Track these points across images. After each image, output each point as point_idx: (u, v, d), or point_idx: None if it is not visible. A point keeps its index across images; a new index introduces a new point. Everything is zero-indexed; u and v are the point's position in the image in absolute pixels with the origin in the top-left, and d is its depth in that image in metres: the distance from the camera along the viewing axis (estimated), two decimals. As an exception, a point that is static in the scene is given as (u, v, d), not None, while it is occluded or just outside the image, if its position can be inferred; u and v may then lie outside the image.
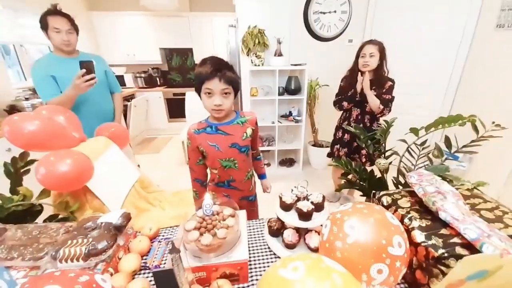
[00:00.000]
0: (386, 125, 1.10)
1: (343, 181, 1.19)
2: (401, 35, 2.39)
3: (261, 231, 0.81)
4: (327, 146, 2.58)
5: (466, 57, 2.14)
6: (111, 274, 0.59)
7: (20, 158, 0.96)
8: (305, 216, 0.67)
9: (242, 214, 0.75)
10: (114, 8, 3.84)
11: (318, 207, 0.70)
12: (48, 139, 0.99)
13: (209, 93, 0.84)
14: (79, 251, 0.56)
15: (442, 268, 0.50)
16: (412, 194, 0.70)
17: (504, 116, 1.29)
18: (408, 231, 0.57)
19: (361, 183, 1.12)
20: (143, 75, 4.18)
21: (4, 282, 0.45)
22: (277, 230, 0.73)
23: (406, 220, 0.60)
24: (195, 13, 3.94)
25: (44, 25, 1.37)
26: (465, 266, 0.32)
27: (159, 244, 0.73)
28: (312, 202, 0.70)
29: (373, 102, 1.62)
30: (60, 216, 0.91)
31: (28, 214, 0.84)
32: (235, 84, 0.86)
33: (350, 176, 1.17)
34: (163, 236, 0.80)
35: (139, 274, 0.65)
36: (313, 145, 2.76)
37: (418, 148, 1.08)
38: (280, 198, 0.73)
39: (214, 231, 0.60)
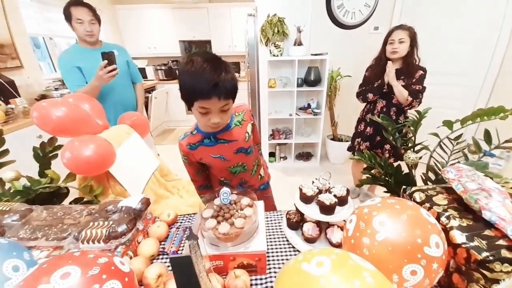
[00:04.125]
0: (417, 116, 1.01)
1: (364, 176, 1.12)
2: (433, 22, 2.20)
3: (279, 223, 0.78)
4: (347, 141, 2.48)
5: (506, 46, 1.92)
6: (130, 258, 0.60)
7: (48, 143, 1.00)
8: (327, 209, 0.63)
9: (260, 204, 0.73)
10: (136, 1, 3.92)
11: (342, 200, 0.66)
12: (73, 125, 1.03)
13: (204, 113, 0.69)
14: (100, 233, 0.57)
15: (485, 272, 0.45)
16: (449, 191, 0.63)
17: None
18: (446, 230, 0.52)
19: (386, 178, 1.05)
20: (163, 67, 4.26)
21: (23, 262, 0.46)
22: (296, 223, 0.70)
23: (443, 219, 0.54)
24: (214, 4, 3.91)
25: (67, 16, 1.41)
26: None
27: (177, 231, 0.73)
28: (335, 195, 0.66)
29: (400, 93, 1.50)
30: (84, 199, 0.95)
31: (55, 196, 0.87)
32: (235, 93, 0.71)
33: (373, 171, 1.10)
34: (181, 223, 0.80)
35: (157, 259, 0.65)
36: (332, 139, 2.66)
37: (451, 143, 0.99)
38: (300, 189, 0.69)
39: (232, 220, 0.59)
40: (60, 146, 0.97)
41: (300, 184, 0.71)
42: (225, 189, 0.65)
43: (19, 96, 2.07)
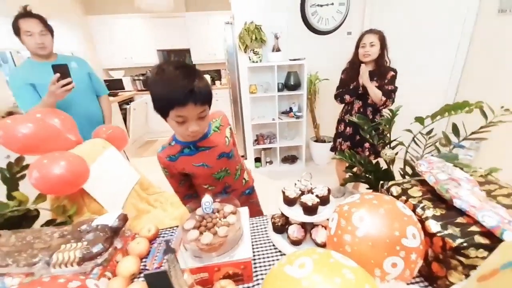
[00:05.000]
0: (390, 114, 1.06)
1: (348, 175, 1.15)
2: (401, 24, 2.34)
3: (265, 228, 0.77)
4: (330, 141, 2.54)
5: (469, 43, 2.09)
6: (109, 279, 0.56)
7: (15, 163, 0.93)
8: (310, 210, 0.64)
9: (244, 211, 0.72)
10: (110, 11, 3.83)
11: (324, 200, 0.66)
12: (42, 142, 0.97)
13: (182, 122, 0.67)
14: (73, 256, 0.53)
15: (461, 259, 0.47)
16: (423, 183, 0.66)
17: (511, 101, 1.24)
18: (422, 221, 0.54)
19: (367, 175, 1.09)
20: (141, 77, 4.16)
21: None
22: (281, 226, 0.69)
23: (418, 210, 0.56)
24: (191, 13, 3.91)
25: (16, 30, 1.29)
26: (503, 253, 0.28)
27: (159, 246, 0.70)
28: (317, 196, 0.66)
29: (374, 94, 1.58)
30: (58, 221, 0.88)
31: (24, 219, 0.81)
32: (210, 99, 0.70)
33: (355, 169, 1.13)
34: (163, 237, 0.77)
35: (139, 277, 0.62)
36: (315, 141, 2.72)
37: (424, 138, 1.04)
38: (283, 192, 0.69)
39: (215, 230, 0.57)
40: (28, 166, 0.90)
41: (283, 187, 0.71)
42: (206, 198, 0.64)
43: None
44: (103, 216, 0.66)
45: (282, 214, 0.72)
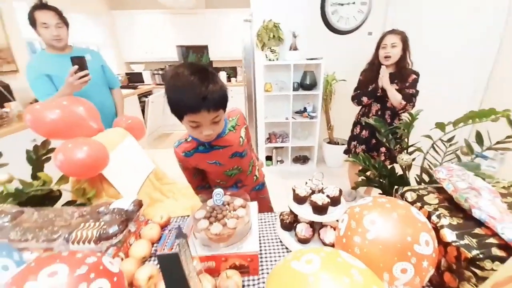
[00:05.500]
0: (409, 118, 1.03)
1: (359, 179, 1.13)
2: (425, 25, 2.24)
3: (273, 224, 0.78)
4: (343, 144, 2.50)
5: (497, 49, 1.96)
6: (122, 259, 0.59)
7: (41, 146, 0.99)
8: (320, 209, 0.63)
9: (254, 205, 0.73)
10: (133, 6, 3.96)
11: (334, 201, 0.66)
12: (67, 128, 1.02)
13: (195, 126, 0.68)
14: (90, 234, 0.56)
15: (476, 270, 0.45)
16: (440, 191, 0.63)
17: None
18: (437, 229, 0.52)
19: (381, 180, 1.06)
20: (160, 72, 4.28)
21: (13, 262, 0.46)
22: (289, 223, 0.70)
23: (434, 218, 0.54)
24: (210, 10, 3.96)
25: (32, 22, 1.31)
26: None
27: (170, 233, 0.72)
28: (328, 196, 0.66)
29: (394, 97, 1.52)
30: (78, 202, 0.94)
31: (47, 199, 0.86)
32: (225, 103, 0.70)
33: (368, 173, 1.11)
34: (174, 225, 0.79)
35: (149, 261, 0.64)
36: (328, 143, 2.68)
37: (444, 145, 1.00)
38: (294, 190, 0.69)
39: (224, 221, 0.58)
40: (53, 149, 0.96)
41: (294, 185, 0.71)
42: (218, 190, 0.65)
43: (14, 100, 2.06)
44: (119, 200, 0.69)
45: (291, 212, 0.72)
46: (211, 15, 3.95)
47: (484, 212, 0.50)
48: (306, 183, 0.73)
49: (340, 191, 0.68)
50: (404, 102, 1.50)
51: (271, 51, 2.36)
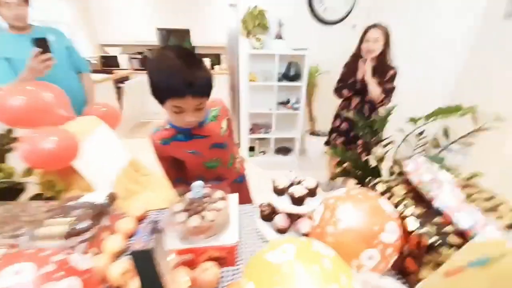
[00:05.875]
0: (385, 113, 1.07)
1: (337, 170, 1.17)
2: (406, 22, 2.30)
3: (253, 216, 0.79)
4: (325, 135, 2.56)
5: (471, 46, 2.07)
6: (95, 255, 0.58)
7: (4, 135, 0.92)
8: (297, 201, 0.65)
9: (234, 197, 0.73)
10: (109, -17, 3.65)
11: (311, 192, 0.68)
12: (33, 115, 0.94)
13: (178, 112, 0.66)
14: (59, 230, 0.54)
15: (434, 256, 0.49)
16: (409, 182, 0.68)
17: (508, 107, 1.27)
18: (402, 218, 0.56)
19: (356, 171, 1.11)
20: (138, 56, 4.04)
21: None
22: (268, 215, 0.71)
23: (400, 207, 0.58)
24: (194, -8, 3.77)
25: None
26: (468, 252, 0.30)
27: (147, 226, 0.71)
28: (306, 187, 0.68)
29: (374, 90, 1.58)
30: (45, 196, 0.88)
31: (9, 192, 0.80)
32: (210, 91, 0.69)
33: (345, 165, 1.16)
34: (151, 218, 0.78)
35: (125, 255, 0.63)
36: (311, 134, 2.73)
37: (415, 138, 1.06)
38: (273, 182, 0.71)
39: (203, 214, 0.58)
40: (15, 139, 0.89)
41: (273, 178, 0.72)
42: (197, 183, 0.65)
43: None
44: (91, 193, 0.66)
45: (270, 203, 0.73)
46: (194, -2, 3.76)
47: (443, 202, 0.54)
48: (286, 175, 0.75)
49: (317, 183, 0.70)
50: (383, 96, 1.56)
51: (256, 39, 2.30)
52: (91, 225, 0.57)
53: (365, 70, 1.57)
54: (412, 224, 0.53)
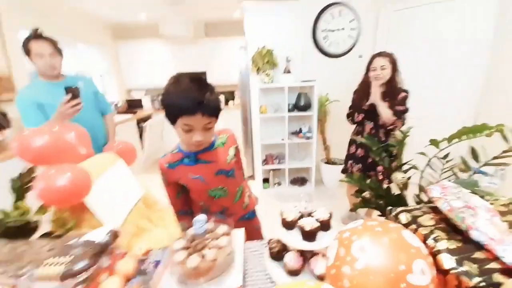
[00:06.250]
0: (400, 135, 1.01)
1: (358, 200, 1.08)
2: (415, 47, 2.33)
3: (262, 254, 0.72)
4: (341, 164, 2.45)
5: (486, 64, 2.01)
6: (91, 299, 0.53)
7: (27, 173, 0.97)
8: (308, 235, 0.59)
9: (240, 233, 0.68)
10: (136, 36, 4.19)
11: (324, 225, 0.61)
12: (54, 153, 1.00)
13: (188, 130, 0.71)
14: (56, 271, 0.51)
15: (481, 303, 0.39)
16: (437, 211, 0.59)
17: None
18: (434, 254, 0.47)
19: (378, 201, 1.01)
20: (160, 98, 4.37)
21: None
22: (278, 253, 0.64)
23: (430, 241, 0.49)
24: (209, 39, 4.18)
25: (26, 51, 1.35)
26: None
27: (148, 266, 0.66)
28: (317, 220, 0.61)
29: (384, 112, 1.53)
30: (56, 233, 0.88)
31: (22, 230, 0.81)
32: (218, 112, 0.74)
33: (365, 194, 1.06)
34: (153, 258, 0.73)
35: (123, 300, 0.58)
36: (326, 163, 2.64)
37: (441, 162, 0.97)
38: (281, 214, 0.65)
39: (203, 252, 0.54)
40: (35, 177, 0.93)
41: (281, 209, 0.67)
42: (200, 217, 0.61)
43: (9, 127, 2.07)
44: (94, 231, 0.65)
45: (280, 240, 0.66)
46: (209, 44, 4.16)
47: (483, 233, 0.46)
48: (296, 206, 0.69)
49: (330, 213, 0.64)
50: (393, 118, 1.51)
51: (266, 74, 2.42)
52: (87, 265, 0.54)
53: (372, 93, 1.55)
54: (448, 261, 0.44)
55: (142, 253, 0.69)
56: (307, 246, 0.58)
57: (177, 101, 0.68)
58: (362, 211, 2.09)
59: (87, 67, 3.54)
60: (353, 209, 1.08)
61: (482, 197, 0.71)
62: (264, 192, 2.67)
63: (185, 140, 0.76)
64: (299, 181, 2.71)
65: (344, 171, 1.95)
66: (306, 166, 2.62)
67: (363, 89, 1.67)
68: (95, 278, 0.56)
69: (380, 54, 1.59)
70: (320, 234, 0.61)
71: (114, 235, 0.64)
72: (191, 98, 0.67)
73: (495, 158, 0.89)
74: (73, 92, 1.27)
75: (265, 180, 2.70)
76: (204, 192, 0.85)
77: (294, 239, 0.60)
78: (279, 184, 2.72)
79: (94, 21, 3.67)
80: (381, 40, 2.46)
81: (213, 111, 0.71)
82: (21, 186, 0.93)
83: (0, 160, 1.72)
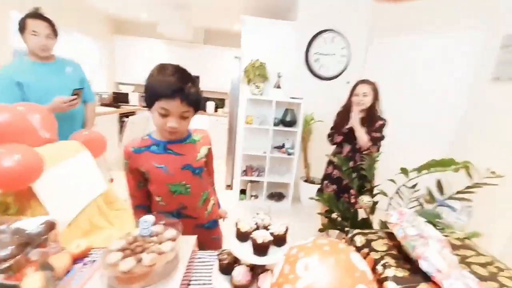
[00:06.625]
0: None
1: (326, 221, 1.06)
2: (400, 79, 2.43)
3: (212, 265, 0.67)
4: (319, 183, 2.46)
5: (465, 106, 2.12)
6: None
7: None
8: (260, 249, 0.55)
9: (190, 240, 0.63)
10: (134, 33, 4.16)
11: (279, 239, 0.58)
12: (12, 133, 0.93)
13: (164, 114, 0.70)
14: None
15: None
16: (391, 236, 0.58)
17: (505, 165, 1.20)
18: (381, 281, 0.45)
19: (344, 223, 1.00)
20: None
21: None
22: (227, 265, 0.60)
23: (378, 267, 0.48)
24: (207, 46, 4.23)
25: (22, 27, 1.31)
26: None
27: (83, 267, 0.60)
28: (272, 234, 0.58)
29: (361, 137, 1.57)
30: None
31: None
32: (197, 105, 0.75)
33: (334, 215, 1.05)
34: (93, 257, 0.67)
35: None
36: (305, 181, 2.63)
37: (409, 191, 0.99)
38: (236, 224, 0.62)
39: (140, 256, 0.49)
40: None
41: (237, 218, 0.64)
42: (146, 217, 0.57)
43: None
44: (27, 219, 0.58)
45: (231, 252, 0.63)
46: (206, 50, 4.20)
47: (431, 264, 0.44)
48: (254, 217, 0.66)
49: (287, 228, 0.61)
50: (370, 143, 1.54)
51: (256, 86, 2.45)
52: (10, 254, 0.48)
53: (352, 117, 1.60)
54: (391, 290, 0.42)
55: (80, 251, 0.63)
56: (257, 260, 0.55)
57: (158, 84, 0.69)
58: (334, 232, 2.07)
59: (79, 54, 3.43)
60: (322, 229, 1.06)
61: (442, 229, 0.72)
62: (240, 203, 2.60)
63: (159, 125, 0.74)
64: (276, 196, 2.68)
65: (319, 190, 1.95)
66: (285, 182, 2.60)
67: (345, 113, 1.71)
68: (20, 270, 0.49)
69: (364, 81, 1.65)
70: (273, 249, 0.58)
71: (49, 226, 0.58)
72: (172, 82, 0.68)
73: (459, 192, 0.91)
74: (78, 93, 1.38)
75: (243, 191, 2.65)
76: (164, 186, 0.80)
77: (244, 252, 0.57)
78: (256, 197, 2.67)
79: (95, 13, 3.64)
80: (368, 70, 2.58)
81: (192, 101, 0.72)
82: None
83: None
